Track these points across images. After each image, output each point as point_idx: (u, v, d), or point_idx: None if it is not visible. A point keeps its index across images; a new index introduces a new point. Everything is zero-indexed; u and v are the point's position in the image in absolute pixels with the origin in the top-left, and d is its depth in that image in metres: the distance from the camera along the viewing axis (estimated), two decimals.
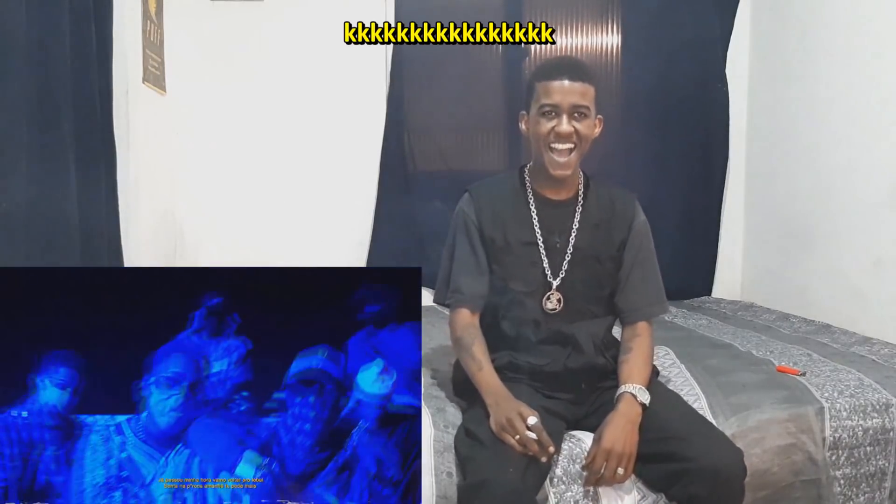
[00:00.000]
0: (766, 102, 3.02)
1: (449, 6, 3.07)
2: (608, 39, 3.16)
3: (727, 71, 3.09)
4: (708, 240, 3.16)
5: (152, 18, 2.50)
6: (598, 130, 1.56)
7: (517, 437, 1.34)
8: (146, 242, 2.44)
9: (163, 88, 2.62)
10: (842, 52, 2.53)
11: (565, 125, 1.48)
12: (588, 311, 1.61)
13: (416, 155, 3.04)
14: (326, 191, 3.00)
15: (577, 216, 1.59)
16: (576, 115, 1.49)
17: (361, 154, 3.00)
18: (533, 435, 1.33)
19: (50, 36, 1.74)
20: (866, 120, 2.41)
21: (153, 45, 2.51)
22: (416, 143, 3.04)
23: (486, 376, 1.49)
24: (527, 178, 1.63)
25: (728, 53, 3.09)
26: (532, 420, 1.35)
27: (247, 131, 2.95)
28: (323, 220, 3.00)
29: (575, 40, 3.14)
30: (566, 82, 1.48)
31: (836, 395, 1.70)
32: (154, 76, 2.51)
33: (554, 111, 1.49)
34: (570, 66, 1.52)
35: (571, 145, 1.50)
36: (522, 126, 1.60)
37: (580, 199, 1.60)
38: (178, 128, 2.82)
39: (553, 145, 1.50)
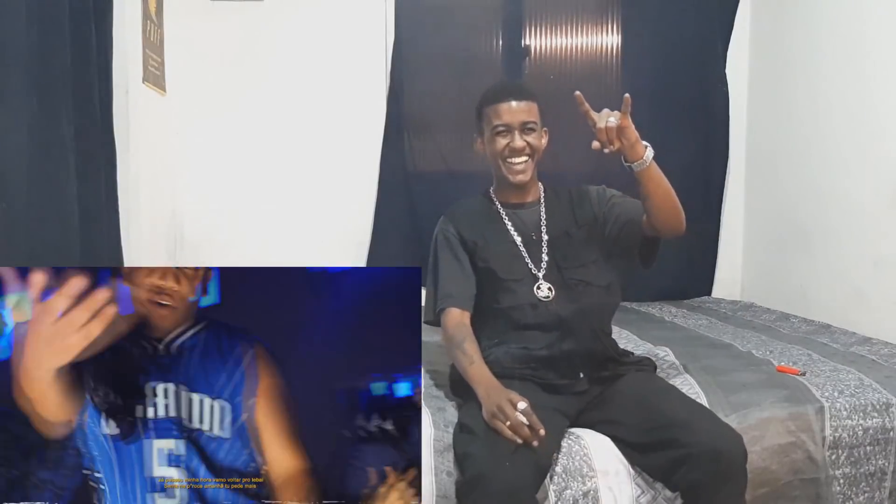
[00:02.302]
0: (766, 102, 3.02)
1: (449, 6, 3.07)
2: (608, 39, 3.16)
3: (727, 71, 3.09)
4: (708, 240, 3.16)
5: (152, 18, 2.50)
6: (544, 141, 1.70)
7: (508, 423, 1.35)
8: (146, 242, 2.44)
9: (163, 88, 2.62)
10: (842, 52, 2.53)
11: (518, 140, 1.64)
12: (581, 282, 1.65)
13: (416, 155, 3.04)
14: (326, 191, 3.00)
15: (543, 212, 1.73)
16: (525, 130, 1.64)
17: (361, 154, 3.00)
18: (523, 419, 1.34)
19: (50, 36, 1.74)
20: (866, 120, 2.41)
21: (153, 45, 2.51)
22: (416, 142, 3.04)
23: (477, 369, 1.52)
24: (493, 195, 1.77)
25: (728, 53, 3.10)
26: (522, 405, 1.37)
27: (247, 131, 2.95)
28: (323, 220, 3.00)
29: (575, 40, 3.14)
30: (513, 103, 1.64)
31: (836, 394, 1.70)
32: (154, 76, 2.51)
33: (506, 129, 1.64)
34: (514, 89, 1.68)
35: (526, 158, 1.66)
36: (478, 147, 1.75)
37: (542, 201, 1.75)
38: (178, 128, 2.82)
39: (509, 160, 1.66)
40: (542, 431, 1.34)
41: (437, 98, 3.06)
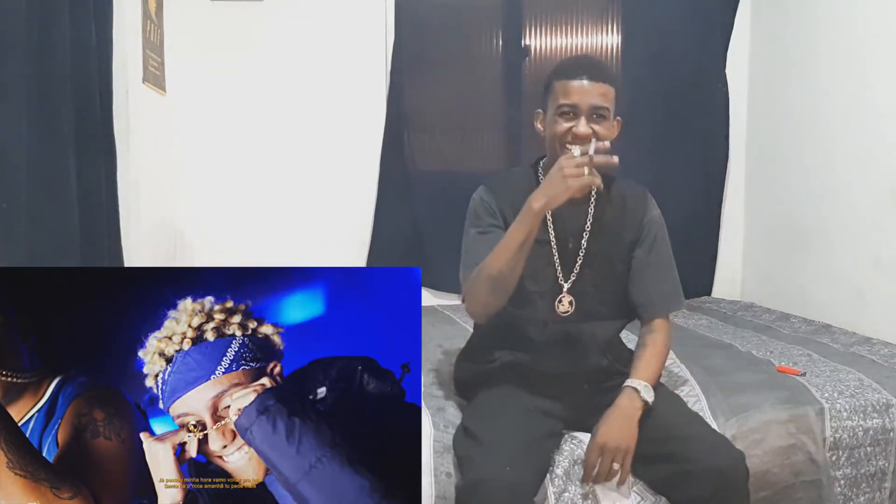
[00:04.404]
0: (766, 102, 3.02)
1: (449, 6, 3.07)
2: (608, 39, 3.16)
3: (727, 71, 3.09)
4: (708, 240, 3.16)
5: (152, 18, 2.50)
6: (616, 132, 1.50)
7: (582, 175, 1.32)
8: (146, 242, 2.44)
9: (163, 88, 2.62)
10: (842, 52, 2.53)
11: (583, 127, 1.42)
12: (598, 312, 1.57)
13: (416, 155, 3.04)
14: (326, 191, 3.00)
15: (590, 216, 1.54)
16: (594, 116, 1.43)
17: (361, 154, 3.00)
18: (587, 159, 1.33)
19: (50, 36, 1.74)
20: (866, 120, 2.41)
21: (153, 45, 2.51)
22: (416, 142, 3.04)
23: (515, 225, 1.41)
24: (541, 174, 1.57)
25: (728, 53, 3.10)
26: (576, 152, 1.35)
27: (247, 131, 2.95)
28: (323, 220, 3.00)
29: (575, 40, 3.14)
30: (586, 82, 1.42)
31: (836, 395, 1.70)
32: (154, 76, 2.51)
33: (572, 112, 1.43)
34: (591, 65, 1.47)
35: None
36: (538, 125, 1.54)
37: (592, 197, 1.54)
38: (178, 128, 2.82)
39: (569, 147, 1.42)
40: (616, 159, 1.35)
41: (437, 98, 3.06)
